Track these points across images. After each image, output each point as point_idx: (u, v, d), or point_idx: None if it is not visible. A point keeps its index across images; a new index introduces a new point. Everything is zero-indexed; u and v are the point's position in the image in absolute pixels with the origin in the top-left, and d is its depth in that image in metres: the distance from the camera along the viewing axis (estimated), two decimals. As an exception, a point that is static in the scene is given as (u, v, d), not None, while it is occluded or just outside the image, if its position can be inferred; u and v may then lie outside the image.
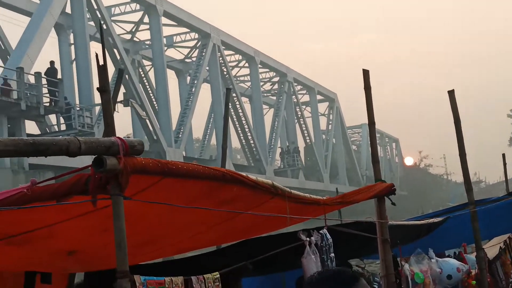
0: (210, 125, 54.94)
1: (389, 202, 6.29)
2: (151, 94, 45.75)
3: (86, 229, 3.94)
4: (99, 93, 3.24)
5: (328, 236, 5.47)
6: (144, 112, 37.56)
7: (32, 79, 27.79)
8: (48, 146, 2.64)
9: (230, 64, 52.35)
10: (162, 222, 4.19)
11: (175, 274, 4.93)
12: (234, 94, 49.41)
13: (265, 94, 62.48)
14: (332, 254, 5.42)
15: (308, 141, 62.87)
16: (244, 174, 4.03)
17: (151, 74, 45.49)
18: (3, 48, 36.90)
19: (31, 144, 2.57)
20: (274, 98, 62.30)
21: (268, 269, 6.38)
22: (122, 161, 2.96)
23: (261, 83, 58.19)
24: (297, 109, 62.31)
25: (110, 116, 3.13)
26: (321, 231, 5.45)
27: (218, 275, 5.11)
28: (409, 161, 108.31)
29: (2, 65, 29.54)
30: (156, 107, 41.89)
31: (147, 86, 46.79)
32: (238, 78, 58.14)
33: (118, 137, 3.00)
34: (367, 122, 6.82)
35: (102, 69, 3.16)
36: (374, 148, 6.83)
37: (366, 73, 6.79)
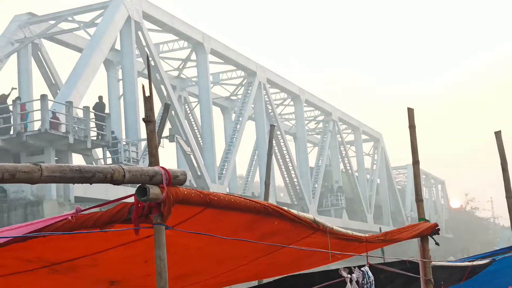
0: (253, 162, 55.06)
1: (432, 242, 6.21)
2: (196, 130, 46.16)
3: (128, 259, 3.98)
4: (144, 124, 3.30)
5: (370, 274, 5.41)
6: (189, 148, 37.85)
7: (80, 113, 28.32)
8: (93, 173, 2.70)
9: (275, 102, 52.59)
10: (202, 254, 4.21)
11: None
12: (278, 132, 49.50)
13: (310, 133, 62.48)
14: (373, 292, 5.36)
15: (352, 180, 62.48)
16: (285, 208, 4.04)
17: (197, 111, 45.96)
18: (53, 82, 37.74)
19: (77, 170, 2.63)
20: (319, 136, 62.26)
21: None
22: (165, 191, 3.00)
23: (306, 122, 58.27)
24: (342, 148, 62.14)
25: (155, 146, 3.18)
26: (362, 269, 5.40)
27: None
28: (455, 203, 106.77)
29: (52, 99, 30.15)
30: (201, 143, 42.22)
31: (193, 122, 47.24)
32: (283, 116, 58.30)
33: (162, 167, 3.05)
34: (411, 163, 6.78)
35: (148, 100, 3.22)
36: (418, 186, 6.77)
37: (411, 111, 6.78)
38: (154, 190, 2.95)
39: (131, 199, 3.17)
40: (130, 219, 3.10)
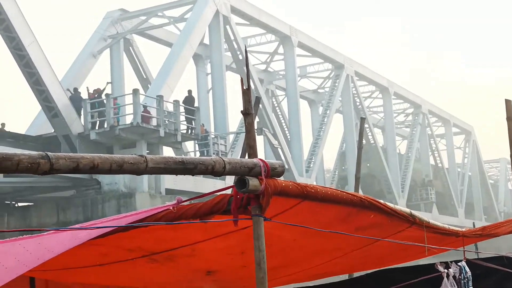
0: (341, 156, 54.70)
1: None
2: (284, 124, 46.24)
3: (225, 250, 4.03)
4: (242, 115, 3.33)
5: (467, 269, 5.30)
6: (276, 141, 37.95)
7: (170, 107, 28.83)
8: (195, 165, 2.75)
9: (363, 94, 52.04)
10: (297, 246, 4.22)
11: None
12: (366, 125, 48.94)
13: (399, 126, 61.51)
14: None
15: (442, 174, 61.20)
16: (381, 201, 4.00)
17: (284, 104, 46.04)
18: (144, 77, 38.58)
19: (180, 162, 2.69)
20: (408, 129, 61.24)
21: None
22: (264, 183, 3.02)
23: (395, 115, 57.41)
24: (432, 142, 60.90)
25: (253, 138, 3.21)
26: (459, 264, 5.29)
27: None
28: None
29: (144, 93, 30.83)
30: (288, 137, 42.26)
31: (280, 116, 47.32)
32: (371, 109, 57.63)
33: (261, 159, 3.07)
34: (507, 155, 6.56)
35: (246, 93, 3.25)
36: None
37: (508, 103, 6.57)
38: (253, 182, 2.98)
39: (229, 191, 3.22)
40: (229, 210, 3.15)
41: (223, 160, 2.87)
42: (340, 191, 3.60)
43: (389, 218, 4.09)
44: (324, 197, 3.45)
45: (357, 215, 3.89)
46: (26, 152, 2.27)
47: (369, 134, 48.55)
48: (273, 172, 3.09)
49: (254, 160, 3.04)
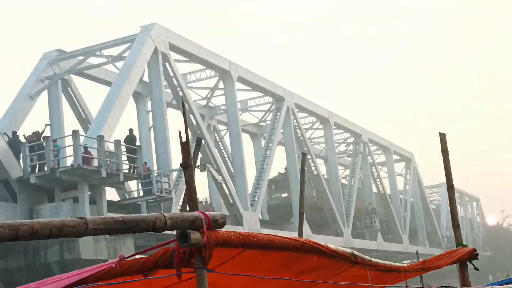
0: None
1: (471, 266, 6.17)
2: (227, 158, 46.33)
3: (170, 301, 4.02)
4: (180, 167, 3.36)
5: (410, 303, 5.39)
6: (220, 176, 37.95)
7: (112, 147, 28.60)
8: (136, 223, 2.76)
9: (304, 126, 52.59)
10: (243, 292, 4.24)
11: None
12: (309, 156, 49.41)
13: (340, 155, 62.26)
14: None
15: (385, 201, 62.02)
16: (323, 243, 4.06)
17: (226, 139, 46.17)
18: (84, 117, 38.19)
19: (121, 221, 2.70)
20: (349, 159, 62.04)
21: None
22: (205, 235, 3.05)
23: (336, 144, 58.13)
24: (373, 170, 61.80)
25: (193, 191, 3.25)
26: (403, 299, 5.38)
27: None
28: (491, 220, 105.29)
29: (84, 134, 30.53)
30: (232, 171, 42.33)
31: (223, 150, 47.38)
32: (313, 140, 58.23)
33: (202, 212, 3.10)
34: (445, 182, 6.76)
35: (185, 146, 3.29)
36: (454, 211, 6.75)
37: (443, 136, 6.77)
38: (195, 235, 3.01)
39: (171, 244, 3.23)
40: (173, 263, 3.16)
41: (164, 216, 2.89)
42: (283, 237, 3.65)
43: (332, 260, 4.15)
44: (266, 244, 3.50)
45: (300, 259, 3.94)
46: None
47: (312, 165, 48.97)
48: (215, 224, 3.12)
49: (195, 213, 3.07)
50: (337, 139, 59.78)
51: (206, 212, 3.12)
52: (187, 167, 3.24)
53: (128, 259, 3.19)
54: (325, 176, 53.43)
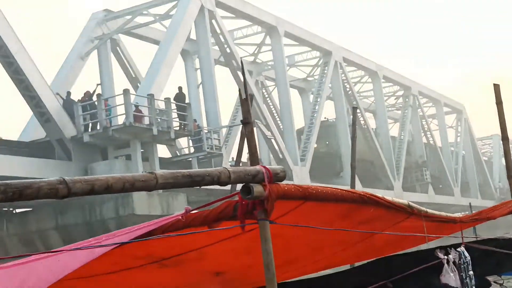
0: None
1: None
2: (275, 114, 46.38)
3: (232, 252, 4.17)
4: (241, 123, 3.46)
5: (466, 253, 5.44)
6: (269, 132, 38.11)
7: (162, 105, 28.91)
8: (202, 177, 2.88)
9: (352, 80, 52.19)
10: (302, 242, 4.37)
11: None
12: (358, 111, 49.09)
13: (390, 109, 61.70)
14: (471, 272, 5.40)
15: (436, 154, 61.46)
16: (380, 195, 4.14)
17: (275, 94, 46.16)
18: (134, 76, 38.61)
19: (188, 175, 2.82)
20: (399, 112, 61.47)
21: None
22: (267, 188, 3.16)
23: (385, 98, 57.59)
24: (424, 122, 61.17)
25: (254, 146, 3.35)
26: (458, 249, 5.44)
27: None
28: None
29: (134, 92, 30.91)
30: (281, 126, 42.42)
31: (271, 106, 47.46)
32: (361, 94, 57.77)
33: (263, 166, 3.21)
34: (497, 133, 6.73)
35: (245, 103, 3.38)
36: (509, 163, 6.73)
37: (497, 87, 6.72)
38: (257, 188, 3.12)
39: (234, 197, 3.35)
40: (236, 216, 3.28)
41: (228, 170, 3.01)
42: (341, 190, 3.74)
43: (388, 211, 4.23)
44: (325, 196, 3.59)
45: (357, 210, 4.03)
46: (45, 179, 2.40)
47: (361, 119, 48.72)
48: (276, 177, 3.22)
49: (257, 167, 3.17)
50: (386, 92, 59.19)
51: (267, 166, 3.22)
52: (247, 123, 3.34)
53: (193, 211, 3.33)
54: (375, 130, 53.15)
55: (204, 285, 4.94)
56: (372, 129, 51.81)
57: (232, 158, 33.74)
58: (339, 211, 3.94)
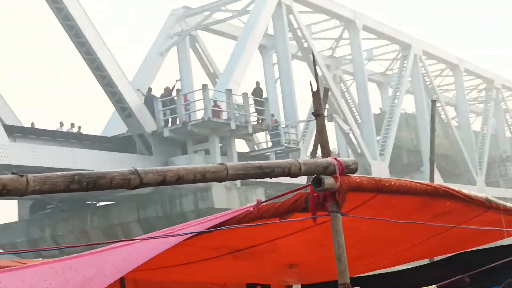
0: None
1: None
2: (354, 108, 46.04)
3: (305, 244, 4.18)
4: (312, 115, 3.46)
5: (548, 249, 5.27)
6: (347, 127, 37.87)
7: (240, 100, 29.15)
8: (272, 168, 2.90)
9: (432, 73, 51.25)
10: (376, 236, 4.33)
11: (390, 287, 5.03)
12: (438, 104, 48.25)
13: (472, 102, 60.30)
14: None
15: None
16: (456, 188, 4.06)
17: (353, 88, 45.83)
18: (212, 71, 39.10)
19: (258, 167, 2.85)
20: (481, 105, 59.99)
21: (486, 283, 6.24)
22: (338, 180, 3.15)
23: (467, 91, 56.29)
24: (507, 116, 59.51)
25: (325, 139, 3.34)
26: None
27: (434, 289, 5.12)
28: None
29: (212, 88, 31.26)
30: (359, 121, 42.07)
31: (349, 100, 47.13)
32: (442, 87, 56.64)
33: (334, 158, 3.20)
34: None
35: (316, 95, 3.38)
36: None
37: None
38: (328, 180, 3.11)
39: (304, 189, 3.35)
40: (307, 208, 3.29)
41: (298, 162, 3.01)
42: (415, 182, 3.69)
43: (465, 205, 4.14)
44: (398, 189, 3.55)
45: (432, 204, 3.97)
46: (118, 170, 2.46)
47: (442, 113, 47.81)
48: (347, 169, 3.21)
49: (328, 159, 3.17)
50: (468, 86, 57.82)
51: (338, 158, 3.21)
52: (319, 115, 3.33)
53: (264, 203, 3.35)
54: (456, 124, 52.08)
55: (277, 276, 4.97)
56: (454, 122, 50.77)
57: (310, 152, 33.70)
58: (413, 204, 3.88)
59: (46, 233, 27.65)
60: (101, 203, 28.81)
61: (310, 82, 3.35)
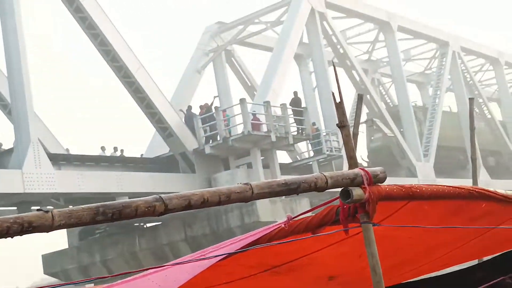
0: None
1: None
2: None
3: (342, 255, 4.16)
4: (338, 128, 3.46)
5: None
6: (389, 130, 37.57)
7: (278, 111, 29.14)
8: (298, 184, 2.90)
9: (472, 69, 50.56)
10: (412, 243, 4.29)
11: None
12: (481, 100, 47.61)
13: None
14: None
15: None
16: (492, 189, 4.00)
17: (392, 91, 45.47)
18: (249, 85, 39.20)
19: (283, 184, 2.85)
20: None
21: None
22: (367, 191, 3.13)
23: (509, 85, 55.32)
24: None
25: (352, 149, 3.33)
26: None
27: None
28: None
29: (251, 101, 31.34)
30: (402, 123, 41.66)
31: (389, 103, 46.78)
32: (483, 83, 55.82)
33: (361, 168, 3.19)
34: None
35: (339, 106, 3.37)
36: None
37: None
38: (357, 192, 3.10)
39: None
40: (338, 220, 3.28)
41: (325, 176, 3.01)
42: (447, 186, 3.65)
43: (503, 205, 4.08)
44: (430, 195, 3.52)
45: (467, 207, 3.92)
46: (142, 198, 2.50)
47: (485, 109, 47.10)
48: (375, 179, 3.19)
49: (355, 170, 3.16)
50: (510, 79, 56.85)
51: (366, 168, 3.20)
52: (343, 126, 3.33)
53: (295, 219, 3.35)
54: (500, 119, 51.22)
55: (319, 290, 4.96)
56: (499, 116, 49.95)
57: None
58: (448, 208, 3.84)
59: (96, 258, 27.98)
60: (148, 224, 29.04)
61: (333, 93, 3.35)
